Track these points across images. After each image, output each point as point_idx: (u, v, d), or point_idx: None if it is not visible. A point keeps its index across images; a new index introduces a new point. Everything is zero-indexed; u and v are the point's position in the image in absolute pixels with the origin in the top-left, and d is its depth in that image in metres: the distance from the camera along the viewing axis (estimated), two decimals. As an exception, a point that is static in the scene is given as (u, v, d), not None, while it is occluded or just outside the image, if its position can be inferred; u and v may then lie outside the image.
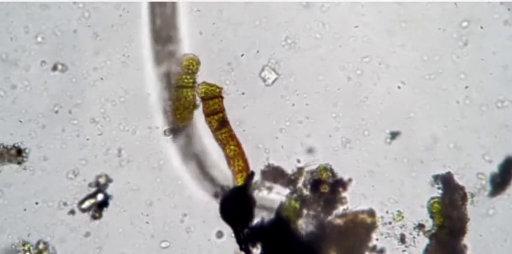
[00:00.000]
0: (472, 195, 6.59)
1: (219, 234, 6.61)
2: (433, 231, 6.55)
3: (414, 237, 6.56)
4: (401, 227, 6.57)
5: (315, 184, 6.51)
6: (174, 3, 6.57)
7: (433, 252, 6.55)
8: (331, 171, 6.53)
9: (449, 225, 6.51)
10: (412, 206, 6.59)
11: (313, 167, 6.56)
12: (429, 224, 6.57)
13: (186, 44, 6.59)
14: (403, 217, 6.56)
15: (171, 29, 6.58)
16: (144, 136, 6.64)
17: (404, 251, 6.56)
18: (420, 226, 6.56)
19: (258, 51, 6.56)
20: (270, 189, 6.58)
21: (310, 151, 6.64)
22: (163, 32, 6.57)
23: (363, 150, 6.67)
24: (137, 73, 6.61)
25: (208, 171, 6.63)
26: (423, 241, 6.59)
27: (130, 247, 6.61)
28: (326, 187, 6.51)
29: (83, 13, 6.53)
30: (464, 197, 6.55)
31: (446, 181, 6.56)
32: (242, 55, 6.49)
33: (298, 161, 6.60)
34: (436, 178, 6.58)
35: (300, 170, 6.56)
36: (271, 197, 6.58)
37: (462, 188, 6.57)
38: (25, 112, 6.54)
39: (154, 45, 6.56)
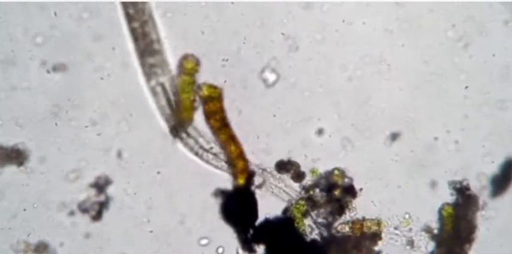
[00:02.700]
0: (484, 206, 6.61)
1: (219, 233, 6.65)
2: (440, 235, 6.55)
3: (420, 240, 6.58)
4: (408, 231, 6.59)
5: (328, 187, 6.52)
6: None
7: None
8: (346, 176, 6.54)
9: (457, 232, 6.52)
10: (413, 208, 6.62)
11: (329, 170, 6.58)
12: (435, 227, 6.59)
13: (186, 44, 6.60)
14: (409, 223, 6.57)
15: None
16: (144, 137, 6.63)
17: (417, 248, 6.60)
18: (427, 230, 6.57)
19: (227, 60, 6.58)
20: (281, 180, 6.61)
21: (310, 151, 6.65)
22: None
23: (363, 151, 6.68)
24: (137, 73, 6.60)
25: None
26: (429, 245, 6.61)
27: (130, 248, 6.62)
28: (338, 192, 6.52)
29: (83, 13, 6.52)
30: (476, 207, 6.56)
31: (462, 190, 6.57)
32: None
33: (314, 160, 6.61)
34: (452, 185, 6.59)
35: (312, 171, 6.58)
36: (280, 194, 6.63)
37: (476, 198, 6.58)
38: (25, 113, 6.53)
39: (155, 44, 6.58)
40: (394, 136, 6.67)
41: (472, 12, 6.66)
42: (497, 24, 6.69)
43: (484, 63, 6.68)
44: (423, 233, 6.59)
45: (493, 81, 6.70)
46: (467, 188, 6.56)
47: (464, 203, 6.54)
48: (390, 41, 6.67)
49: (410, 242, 6.57)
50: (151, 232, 6.62)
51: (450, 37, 6.67)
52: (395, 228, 6.57)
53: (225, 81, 6.55)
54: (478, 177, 6.66)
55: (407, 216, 6.59)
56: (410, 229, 6.61)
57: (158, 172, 6.62)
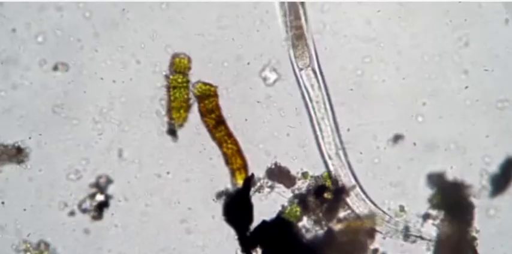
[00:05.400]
0: (475, 195, 6.61)
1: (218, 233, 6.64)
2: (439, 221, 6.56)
3: (419, 228, 6.59)
4: (404, 222, 6.60)
5: (319, 190, 6.53)
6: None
7: (443, 242, 6.55)
8: (335, 179, 6.54)
9: (452, 216, 6.53)
10: (413, 207, 6.61)
11: (318, 174, 6.58)
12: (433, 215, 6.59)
13: (186, 45, 6.62)
14: (405, 212, 6.57)
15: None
16: (144, 136, 6.63)
17: (414, 241, 6.58)
18: (426, 216, 6.57)
19: (248, 63, 6.58)
20: (272, 188, 6.58)
21: (310, 151, 6.65)
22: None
23: (363, 151, 6.67)
24: (137, 73, 6.61)
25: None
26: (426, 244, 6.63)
27: (130, 248, 6.61)
28: (329, 194, 6.52)
29: (83, 13, 6.54)
30: (463, 191, 6.56)
31: (439, 181, 6.57)
32: (248, 63, 6.53)
33: (302, 170, 6.62)
34: (430, 177, 6.60)
35: (304, 175, 6.58)
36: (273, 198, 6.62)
37: (459, 184, 6.58)
38: (26, 112, 6.54)
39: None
40: (395, 137, 6.67)
41: (473, 12, 6.67)
42: (497, 24, 6.69)
43: (484, 62, 6.68)
44: (422, 219, 6.58)
45: (493, 80, 6.70)
46: (443, 177, 6.56)
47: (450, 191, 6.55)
48: (390, 40, 6.68)
49: (406, 232, 6.57)
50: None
51: (450, 36, 6.68)
52: (388, 222, 6.58)
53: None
54: (478, 176, 6.65)
55: (403, 205, 6.58)
56: (407, 222, 6.61)
57: (158, 172, 6.63)
